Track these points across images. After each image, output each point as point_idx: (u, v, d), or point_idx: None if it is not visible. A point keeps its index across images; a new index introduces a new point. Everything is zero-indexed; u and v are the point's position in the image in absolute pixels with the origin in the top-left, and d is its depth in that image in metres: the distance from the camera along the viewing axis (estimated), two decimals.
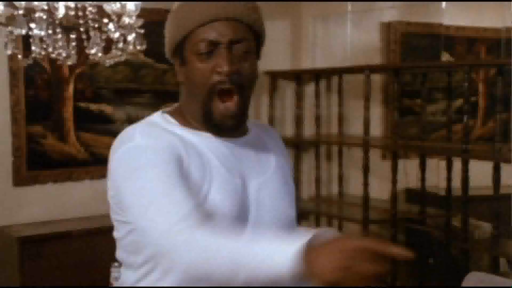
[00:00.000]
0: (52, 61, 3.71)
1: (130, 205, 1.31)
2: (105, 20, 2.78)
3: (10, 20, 2.61)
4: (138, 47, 2.88)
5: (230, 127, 1.41)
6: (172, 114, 1.47)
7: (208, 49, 1.38)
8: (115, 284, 2.51)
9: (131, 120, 4.24)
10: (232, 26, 1.39)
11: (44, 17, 2.62)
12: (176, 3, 1.46)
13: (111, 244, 1.54)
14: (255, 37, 1.45)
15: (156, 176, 1.29)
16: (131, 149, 1.35)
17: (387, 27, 5.02)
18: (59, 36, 2.75)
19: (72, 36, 2.82)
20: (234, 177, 1.40)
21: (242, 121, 1.44)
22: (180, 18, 1.42)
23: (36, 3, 2.59)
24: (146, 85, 4.35)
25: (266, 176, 1.47)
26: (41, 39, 2.73)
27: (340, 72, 4.84)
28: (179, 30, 1.41)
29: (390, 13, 5.01)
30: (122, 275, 1.47)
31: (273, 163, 1.51)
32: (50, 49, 2.76)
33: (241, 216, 1.38)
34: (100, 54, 2.82)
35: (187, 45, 1.42)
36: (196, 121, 1.44)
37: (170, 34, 1.46)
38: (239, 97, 1.39)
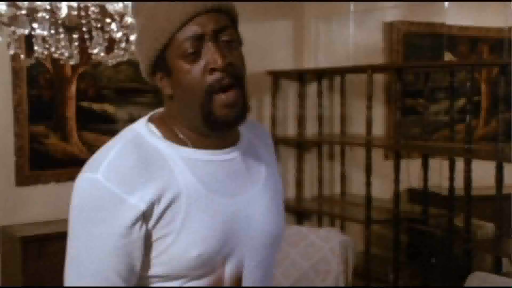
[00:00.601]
0: (55, 61, 3.71)
1: (67, 249, 1.34)
2: (108, 20, 2.77)
3: (13, 20, 2.61)
4: None
5: (234, 120, 1.32)
6: (157, 123, 1.37)
7: (194, 48, 1.28)
8: None
9: (133, 120, 4.24)
10: (213, 17, 1.30)
11: (47, 17, 2.62)
12: (141, 20, 1.35)
13: None
14: (233, 23, 1.35)
15: (92, 238, 1.27)
16: (88, 186, 1.28)
17: (390, 27, 5.02)
18: (62, 36, 2.75)
19: (75, 36, 2.82)
20: (219, 197, 1.33)
21: (245, 113, 1.34)
22: (155, 28, 1.30)
23: (38, 3, 2.60)
24: (148, 85, 4.34)
25: (256, 189, 1.41)
26: (43, 39, 2.73)
27: (342, 72, 4.84)
28: (158, 40, 1.30)
29: (393, 13, 5.01)
30: None
31: (263, 173, 1.44)
32: (53, 49, 2.76)
33: (229, 236, 1.33)
34: (102, 54, 2.82)
35: (169, 53, 1.30)
36: (189, 129, 1.35)
37: (145, 49, 1.33)
38: (238, 89, 1.31)
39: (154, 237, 1.27)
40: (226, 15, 1.32)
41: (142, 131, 1.35)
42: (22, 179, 4.02)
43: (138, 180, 1.25)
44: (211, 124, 1.31)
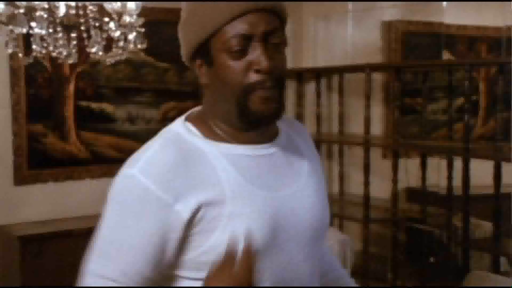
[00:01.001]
0: (53, 60, 3.71)
1: (96, 235, 1.31)
2: (106, 19, 2.78)
3: (11, 18, 2.61)
4: (139, 46, 2.88)
5: (270, 116, 1.30)
6: (195, 122, 1.35)
7: (241, 45, 1.26)
8: None
9: (132, 119, 4.25)
10: (264, 17, 1.27)
11: (45, 15, 2.62)
12: (190, 4, 1.33)
13: None
14: (281, 24, 1.33)
15: (123, 230, 1.25)
16: (124, 181, 1.27)
17: (388, 26, 5.02)
18: (60, 34, 2.75)
19: (73, 35, 2.82)
20: (264, 191, 1.31)
21: (281, 110, 1.32)
22: (203, 16, 1.28)
23: (36, 2, 2.60)
24: (147, 83, 4.35)
25: (300, 183, 1.38)
26: (41, 38, 2.73)
27: (341, 71, 4.84)
28: (204, 28, 1.28)
29: (391, 12, 5.01)
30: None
31: (305, 167, 1.42)
32: (51, 48, 2.77)
33: (276, 230, 1.30)
34: (101, 53, 2.82)
35: (214, 44, 1.28)
36: (226, 124, 1.33)
37: (190, 34, 1.31)
38: (278, 91, 1.29)
39: (194, 236, 1.26)
40: (277, 16, 1.31)
41: (180, 130, 1.33)
42: (21, 178, 4.02)
43: (178, 180, 1.24)
44: (246, 119, 1.30)
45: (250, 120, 1.30)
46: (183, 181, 1.24)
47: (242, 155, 1.32)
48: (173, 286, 1.31)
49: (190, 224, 1.24)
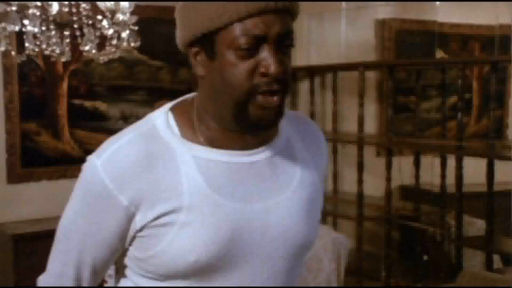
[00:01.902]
0: (46, 58, 3.70)
1: (60, 218, 1.33)
2: (99, 17, 2.77)
3: (4, 16, 2.60)
4: (132, 44, 2.88)
5: (267, 123, 1.22)
6: (178, 115, 1.28)
7: (251, 45, 1.16)
8: (109, 281, 2.51)
9: (125, 117, 4.24)
10: (279, 18, 1.17)
11: (38, 13, 2.61)
12: None
13: None
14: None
15: (81, 220, 1.27)
16: (89, 168, 1.25)
17: (382, 24, 5.03)
18: (53, 32, 2.74)
19: (66, 33, 2.81)
20: (230, 202, 1.22)
21: (280, 117, 1.23)
22: (213, 6, 1.17)
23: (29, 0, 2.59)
24: (141, 82, 4.34)
25: (283, 196, 1.28)
26: (34, 36, 2.72)
27: (334, 69, 4.84)
28: (211, 20, 1.17)
29: (385, 11, 5.02)
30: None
31: (296, 178, 1.31)
32: (44, 46, 2.76)
33: (236, 244, 1.23)
34: (94, 51, 2.82)
35: (221, 38, 1.18)
36: (215, 122, 1.25)
37: (193, 21, 1.20)
38: (281, 96, 1.21)
39: (143, 238, 1.24)
40: (291, 16, 1.22)
41: (158, 123, 1.27)
42: (14, 177, 4.00)
43: (136, 182, 1.21)
44: (242, 122, 1.22)
45: (246, 124, 1.22)
46: (141, 185, 1.21)
47: (216, 161, 1.24)
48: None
49: (141, 228, 1.23)
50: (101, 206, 1.23)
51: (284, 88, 1.21)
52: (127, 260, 1.31)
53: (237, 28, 1.17)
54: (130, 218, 1.23)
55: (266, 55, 1.18)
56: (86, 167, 1.26)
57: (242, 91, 1.18)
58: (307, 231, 1.31)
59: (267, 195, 1.27)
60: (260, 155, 1.28)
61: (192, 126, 1.27)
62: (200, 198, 1.21)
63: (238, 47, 1.17)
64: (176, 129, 1.26)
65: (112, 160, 1.22)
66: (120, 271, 1.34)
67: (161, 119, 1.27)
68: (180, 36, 1.26)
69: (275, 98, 1.20)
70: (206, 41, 1.20)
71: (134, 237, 1.25)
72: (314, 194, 1.35)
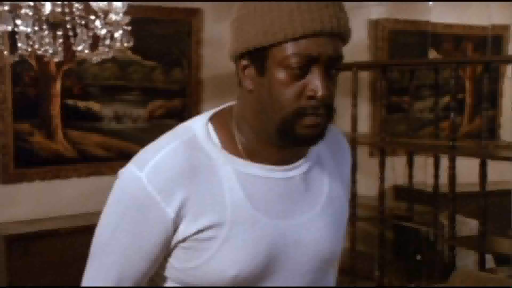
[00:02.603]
0: (39, 58, 3.69)
1: (94, 234, 1.28)
2: (92, 17, 2.77)
3: None
4: (125, 44, 2.88)
5: (313, 140, 1.23)
6: (218, 126, 1.27)
7: (300, 65, 1.16)
8: None
9: (119, 118, 4.23)
10: (333, 41, 1.18)
11: (30, 13, 2.61)
12: (266, 2, 1.19)
13: None
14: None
15: (123, 234, 1.22)
16: (130, 182, 1.22)
17: (375, 25, 5.04)
18: (46, 32, 2.74)
19: (59, 33, 2.80)
20: (268, 218, 1.24)
21: (325, 133, 1.24)
22: (270, 22, 1.17)
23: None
24: (134, 82, 4.33)
25: (314, 211, 1.30)
26: (27, 36, 2.72)
27: None
28: (267, 35, 1.17)
29: (378, 11, 5.03)
30: None
31: (324, 195, 1.33)
32: (37, 46, 2.75)
33: (272, 259, 1.24)
34: (87, 51, 2.81)
35: (272, 54, 1.17)
36: (256, 136, 1.25)
37: (248, 34, 1.19)
38: (327, 118, 1.21)
39: (184, 250, 1.23)
40: (342, 41, 1.22)
41: (199, 133, 1.25)
42: (7, 177, 3.99)
43: (182, 192, 1.19)
44: (285, 139, 1.22)
45: (289, 140, 1.22)
46: (187, 196, 1.20)
47: (256, 176, 1.25)
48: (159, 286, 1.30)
49: (184, 239, 1.22)
50: (146, 219, 1.20)
51: (328, 112, 1.21)
52: (162, 269, 1.29)
53: (290, 47, 1.16)
54: (175, 230, 1.21)
55: (315, 78, 1.17)
56: (126, 179, 1.23)
57: (289, 112, 1.18)
58: (335, 245, 1.34)
59: (300, 211, 1.29)
60: (296, 171, 1.29)
61: (231, 137, 1.27)
62: (241, 213, 1.22)
63: (289, 66, 1.16)
64: (216, 140, 1.26)
65: (157, 171, 1.20)
66: (155, 279, 1.31)
67: (202, 129, 1.26)
68: (232, 47, 1.24)
69: (320, 119, 1.20)
70: (257, 56, 1.20)
71: (174, 247, 1.24)
72: (341, 208, 1.37)
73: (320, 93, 1.17)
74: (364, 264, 4.50)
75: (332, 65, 1.19)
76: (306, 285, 1.31)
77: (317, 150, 1.34)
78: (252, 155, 1.26)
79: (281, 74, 1.17)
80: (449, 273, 3.16)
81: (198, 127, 1.26)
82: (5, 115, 3.95)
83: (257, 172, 1.25)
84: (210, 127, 1.27)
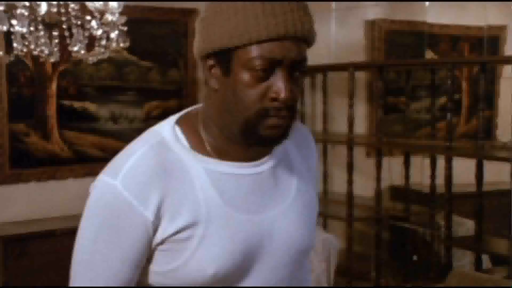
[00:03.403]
0: (35, 59, 3.68)
1: (74, 253, 1.28)
2: (88, 17, 2.76)
3: None
4: (121, 45, 2.87)
5: (276, 140, 1.26)
6: (185, 128, 1.30)
7: (265, 67, 1.19)
8: None
9: (115, 118, 4.23)
10: (297, 45, 1.21)
11: (26, 13, 2.60)
12: (232, 3, 1.22)
13: None
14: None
15: (104, 245, 1.23)
16: (105, 191, 1.23)
17: (372, 25, 5.04)
18: (41, 33, 2.73)
19: (55, 33, 2.80)
20: (241, 214, 1.27)
21: (288, 134, 1.27)
22: (234, 24, 1.19)
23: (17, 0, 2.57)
24: (130, 82, 4.33)
25: (284, 205, 1.33)
26: (23, 36, 2.71)
27: (324, 69, 4.85)
28: (232, 37, 1.19)
29: (375, 11, 5.03)
30: None
31: (294, 187, 1.36)
32: (32, 46, 2.74)
33: (249, 254, 1.27)
34: (83, 52, 2.81)
35: (237, 56, 1.20)
36: (222, 135, 1.28)
37: (214, 35, 1.22)
38: (290, 119, 1.24)
39: (163, 252, 1.24)
40: (307, 45, 1.25)
41: (167, 135, 1.28)
42: (3, 178, 3.98)
43: (157, 194, 1.21)
44: (249, 139, 1.25)
45: (253, 140, 1.25)
46: (162, 197, 1.22)
47: (226, 174, 1.27)
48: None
49: (162, 241, 1.23)
50: (126, 225, 1.21)
51: (291, 113, 1.24)
52: (143, 276, 1.29)
53: (255, 50, 1.19)
54: (154, 232, 1.22)
55: (278, 80, 1.20)
56: (100, 190, 1.24)
57: (252, 112, 1.21)
58: (308, 236, 1.37)
59: (271, 205, 1.32)
60: (264, 166, 1.32)
61: (199, 138, 1.30)
62: (215, 211, 1.24)
63: (253, 68, 1.19)
64: (185, 141, 1.28)
65: (131, 177, 1.22)
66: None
67: (170, 132, 1.28)
68: (198, 47, 1.27)
69: (282, 120, 1.23)
70: (223, 57, 1.22)
71: (153, 251, 1.25)
72: (310, 199, 1.40)
73: (283, 95, 1.19)
74: (361, 265, 4.50)
75: (296, 68, 1.22)
76: (285, 278, 1.33)
77: (284, 146, 1.37)
78: (221, 154, 1.29)
79: (245, 76, 1.20)
80: (445, 273, 3.16)
81: (166, 131, 1.29)
82: (0, 115, 3.94)
83: (226, 170, 1.28)
84: (178, 130, 1.30)
